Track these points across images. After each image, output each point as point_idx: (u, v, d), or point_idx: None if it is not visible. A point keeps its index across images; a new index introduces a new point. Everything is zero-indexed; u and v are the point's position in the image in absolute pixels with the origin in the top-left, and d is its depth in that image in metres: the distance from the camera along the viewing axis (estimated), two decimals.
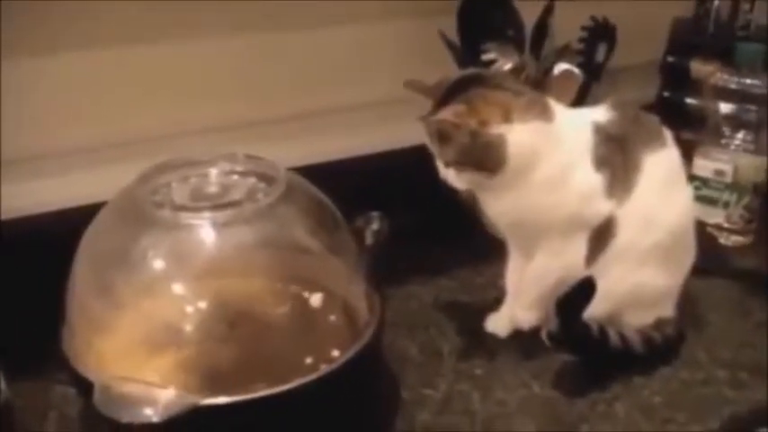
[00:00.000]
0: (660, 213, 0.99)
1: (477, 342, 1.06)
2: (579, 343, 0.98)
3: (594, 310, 0.97)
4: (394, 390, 0.98)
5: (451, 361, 1.03)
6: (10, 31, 1.05)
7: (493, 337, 1.08)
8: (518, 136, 0.93)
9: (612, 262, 0.99)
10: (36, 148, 1.11)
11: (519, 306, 1.06)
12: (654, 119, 1.03)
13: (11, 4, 1.04)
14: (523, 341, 1.05)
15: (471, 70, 1.03)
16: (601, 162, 0.96)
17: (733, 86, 1.30)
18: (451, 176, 0.97)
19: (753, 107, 1.28)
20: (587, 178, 0.96)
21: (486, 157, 0.93)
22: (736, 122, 1.30)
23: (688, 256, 1.05)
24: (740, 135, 1.30)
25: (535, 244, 1.02)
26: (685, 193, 1.04)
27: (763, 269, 1.23)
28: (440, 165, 0.98)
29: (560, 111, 0.98)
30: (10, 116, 1.09)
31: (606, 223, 0.98)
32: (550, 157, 0.94)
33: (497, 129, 0.92)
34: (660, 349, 1.02)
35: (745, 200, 1.29)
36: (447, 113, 0.92)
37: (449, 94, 0.95)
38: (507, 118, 0.92)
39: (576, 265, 0.99)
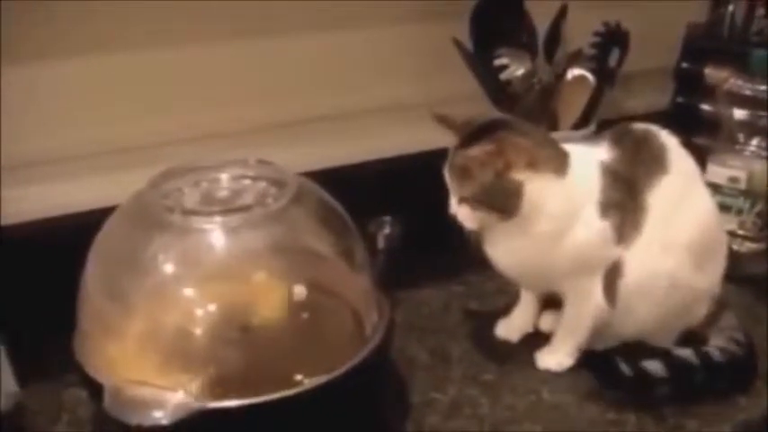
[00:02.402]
0: (675, 235, 0.99)
1: (487, 347, 1.07)
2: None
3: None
4: (403, 394, 0.98)
5: (461, 366, 1.03)
6: (11, 36, 1.05)
7: (502, 342, 1.08)
8: (535, 186, 0.93)
9: (631, 299, 0.99)
10: (40, 153, 1.12)
11: (560, 354, 1.04)
12: (654, 139, 1.01)
13: (12, 8, 1.05)
14: (533, 347, 1.05)
15: (501, 115, 1.04)
16: (608, 207, 0.96)
17: (747, 92, 1.29)
18: (463, 214, 0.97)
19: (766, 113, 1.27)
20: (592, 228, 0.96)
21: (502, 200, 0.94)
22: (750, 129, 1.29)
23: (719, 255, 1.04)
24: (754, 142, 1.29)
25: (549, 287, 1.04)
26: (700, 201, 1.03)
27: None
28: (453, 200, 0.99)
29: (572, 158, 0.97)
30: (12, 121, 1.09)
31: (613, 266, 0.98)
32: (556, 210, 0.94)
33: (519, 175, 0.93)
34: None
35: (759, 207, 1.28)
36: (477, 150, 0.93)
37: (476, 133, 0.95)
38: (530, 166, 0.93)
39: (594, 318, 1.00)
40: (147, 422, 0.76)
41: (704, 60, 1.44)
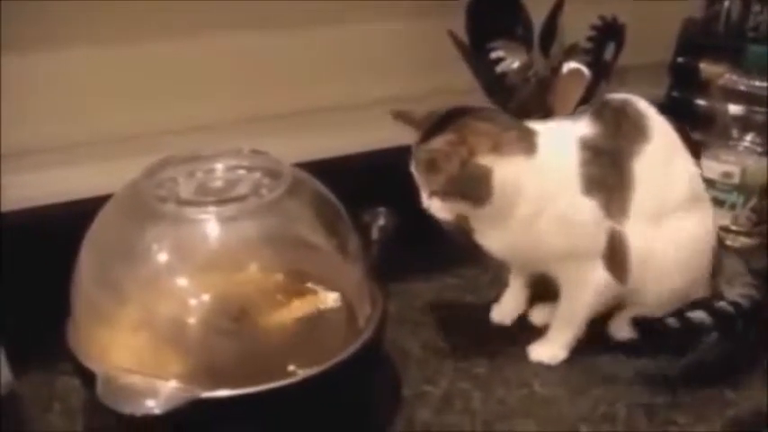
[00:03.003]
0: (666, 200, 0.99)
1: (480, 340, 1.07)
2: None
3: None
4: (395, 386, 0.98)
5: (453, 359, 1.03)
6: (11, 24, 1.05)
7: (495, 335, 1.08)
8: (503, 170, 0.93)
9: (641, 272, 0.99)
10: (38, 141, 1.12)
11: (554, 346, 1.04)
12: (633, 108, 1.00)
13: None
14: (525, 341, 1.06)
15: (460, 105, 1.01)
16: (591, 183, 0.95)
17: (742, 88, 1.30)
18: (435, 206, 0.97)
19: (761, 109, 1.28)
20: (576, 206, 0.95)
21: (472, 188, 0.93)
22: (744, 124, 1.30)
23: (707, 206, 1.05)
24: (748, 137, 1.29)
25: (546, 271, 1.03)
26: (683, 164, 1.03)
27: None
28: (423, 195, 0.98)
29: (545, 136, 0.96)
30: (10, 110, 1.09)
31: (614, 241, 0.98)
32: (532, 191, 0.94)
33: (484, 160, 0.92)
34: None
35: (753, 202, 1.29)
36: (439, 142, 0.93)
37: (437, 124, 0.95)
38: (494, 150, 0.92)
39: (603, 290, 1.00)
40: (139, 411, 0.76)
41: (700, 55, 1.45)
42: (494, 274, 1.19)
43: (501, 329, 1.10)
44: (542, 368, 1.02)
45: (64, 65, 1.13)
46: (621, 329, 1.04)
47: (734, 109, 1.31)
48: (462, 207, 0.96)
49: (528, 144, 0.95)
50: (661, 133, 1.00)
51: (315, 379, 0.82)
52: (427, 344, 1.06)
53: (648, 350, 1.01)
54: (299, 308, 0.89)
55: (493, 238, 1.00)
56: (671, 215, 1.00)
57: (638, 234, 0.98)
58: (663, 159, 1.00)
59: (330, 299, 0.91)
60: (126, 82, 1.18)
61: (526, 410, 0.95)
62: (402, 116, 0.99)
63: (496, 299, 1.13)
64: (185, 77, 1.22)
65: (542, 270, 1.04)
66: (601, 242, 0.97)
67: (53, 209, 1.09)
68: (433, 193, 0.97)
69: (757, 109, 1.28)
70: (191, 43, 1.20)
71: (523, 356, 1.04)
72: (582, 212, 0.96)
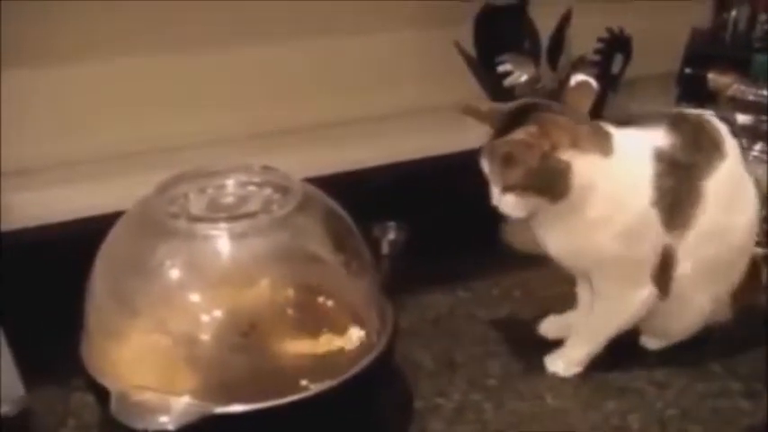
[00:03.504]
0: (725, 229, 0.99)
1: (492, 353, 1.07)
2: None
3: None
4: (407, 399, 0.98)
5: (465, 371, 1.03)
6: (10, 39, 1.06)
7: (507, 348, 1.08)
8: (581, 166, 0.91)
9: (687, 288, 0.99)
10: (40, 159, 1.13)
11: (573, 357, 1.04)
12: (711, 125, 1.00)
13: (12, 11, 1.05)
14: (537, 353, 1.06)
15: (529, 98, 1.01)
16: (662, 196, 0.94)
17: (750, 98, 1.30)
18: (509, 203, 0.94)
19: None
20: (643, 217, 0.95)
21: (551, 182, 0.92)
22: (753, 134, 1.29)
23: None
24: (757, 146, 1.29)
25: (595, 274, 1.01)
26: (749, 185, 1.03)
27: None
28: (495, 191, 0.95)
29: (620, 140, 0.95)
30: (10, 127, 1.10)
31: (666, 258, 0.97)
32: (606, 193, 0.93)
33: (564, 154, 0.91)
34: None
35: (764, 212, 1.29)
36: (521, 134, 0.90)
37: (511, 118, 0.93)
38: (574, 145, 0.91)
39: (644, 307, 0.99)
40: (152, 427, 0.77)
41: (707, 66, 1.44)
42: (505, 287, 1.20)
43: (512, 342, 1.10)
44: (555, 380, 1.02)
45: (63, 81, 1.13)
46: (654, 340, 1.05)
47: (742, 118, 1.30)
48: (537, 202, 0.93)
49: (605, 144, 0.93)
50: (734, 154, 1.00)
51: (327, 394, 0.82)
52: (439, 357, 1.06)
53: None
54: (324, 344, 0.90)
55: (555, 238, 0.98)
56: (734, 233, 1.00)
57: (689, 253, 0.97)
58: (734, 182, 0.99)
59: (355, 336, 0.91)
60: (130, 97, 1.19)
61: (538, 422, 0.95)
62: (470, 110, 0.97)
63: (508, 313, 1.14)
64: (190, 93, 1.22)
65: (594, 271, 1.01)
66: (653, 257, 0.97)
67: (65, 226, 1.11)
68: (507, 188, 0.94)
69: (765, 118, 1.28)
70: (195, 58, 1.21)
71: (535, 369, 1.04)
72: (648, 225, 0.95)
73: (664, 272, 0.97)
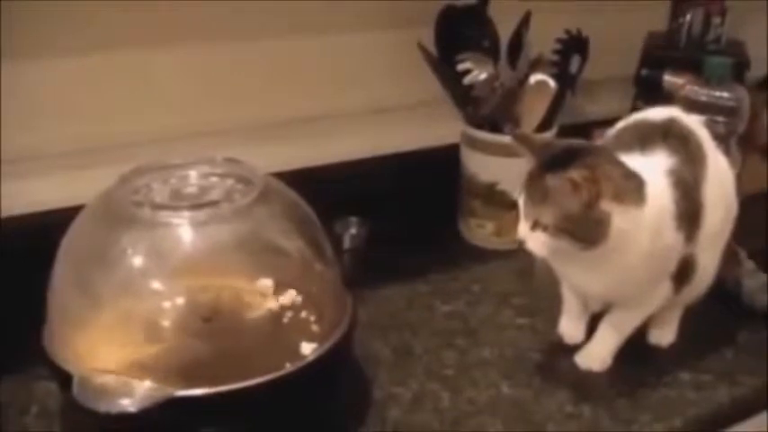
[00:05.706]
0: (724, 217, 1.03)
1: (449, 344, 1.09)
2: None
3: None
4: (366, 388, 1.00)
5: (423, 362, 1.05)
6: (8, 34, 1.07)
7: (464, 338, 1.10)
8: (619, 219, 0.89)
9: (698, 281, 1.03)
10: (28, 150, 1.13)
11: (602, 352, 1.05)
12: (691, 129, 1.02)
13: (10, 6, 1.06)
14: (494, 342, 1.09)
15: (582, 141, 0.98)
16: (682, 218, 0.95)
17: (703, 99, 1.32)
18: (536, 240, 0.91)
19: (722, 119, 1.30)
20: (671, 243, 0.95)
21: (588, 231, 0.89)
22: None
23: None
24: None
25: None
26: (728, 178, 1.05)
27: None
28: (524, 225, 0.92)
29: (647, 181, 0.93)
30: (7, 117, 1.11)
31: (687, 264, 0.99)
32: (644, 241, 0.92)
33: (606, 206, 0.88)
34: None
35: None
36: (574, 174, 0.87)
37: (560, 157, 0.90)
38: (615, 198, 0.89)
39: (662, 301, 1.01)
40: (114, 410, 0.77)
41: (663, 67, 1.48)
42: (464, 282, 1.22)
43: (469, 333, 1.12)
44: (510, 370, 1.04)
45: (36, 76, 1.13)
46: (665, 336, 1.09)
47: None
48: (567, 246, 0.90)
49: (640, 195, 0.91)
50: (711, 150, 1.02)
51: (285, 379, 0.84)
52: (398, 347, 1.08)
53: None
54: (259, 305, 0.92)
55: (582, 276, 0.99)
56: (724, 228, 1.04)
57: (703, 254, 1.00)
58: (719, 180, 1.02)
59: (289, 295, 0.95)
60: (100, 92, 1.19)
61: (494, 410, 0.97)
62: (524, 139, 0.95)
63: (467, 305, 1.17)
64: (159, 89, 1.23)
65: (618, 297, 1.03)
66: (674, 265, 0.98)
67: (29, 218, 1.11)
68: (538, 226, 0.91)
69: (718, 119, 1.30)
70: (166, 55, 1.21)
71: (491, 358, 1.06)
72: (675, 248, 0.96)
73: (683, 275, 1.00)
